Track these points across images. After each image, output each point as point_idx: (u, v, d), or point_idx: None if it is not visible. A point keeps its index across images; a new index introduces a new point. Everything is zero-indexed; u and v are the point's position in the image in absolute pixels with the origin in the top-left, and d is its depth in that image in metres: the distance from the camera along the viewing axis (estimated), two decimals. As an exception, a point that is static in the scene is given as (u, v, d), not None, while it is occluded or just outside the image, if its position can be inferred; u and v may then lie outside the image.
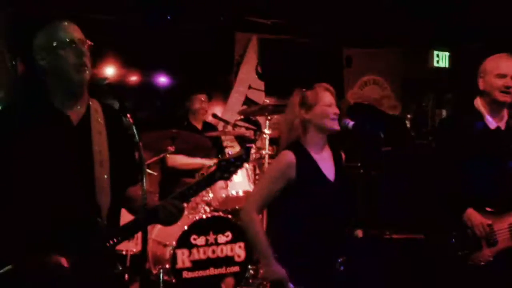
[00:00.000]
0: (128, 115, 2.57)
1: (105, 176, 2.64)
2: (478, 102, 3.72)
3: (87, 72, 2.62)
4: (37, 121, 2.59)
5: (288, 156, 3.12)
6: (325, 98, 3.20)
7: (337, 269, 3.09)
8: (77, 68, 2.59)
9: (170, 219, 2.71)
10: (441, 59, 8.76)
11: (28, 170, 2.53)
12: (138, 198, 2.73)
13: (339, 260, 3.09)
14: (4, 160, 2.53)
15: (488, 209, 3.59)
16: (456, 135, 3.70)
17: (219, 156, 5.59)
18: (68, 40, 2.61)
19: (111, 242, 2.63)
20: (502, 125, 3.69)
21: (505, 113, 3.71)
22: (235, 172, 2.76)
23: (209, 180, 2.77)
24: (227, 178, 2.77)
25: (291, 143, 3.19)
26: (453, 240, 3.60)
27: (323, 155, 3.22)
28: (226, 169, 2.75)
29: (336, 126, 3.17)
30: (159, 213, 2.65)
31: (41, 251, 2.47)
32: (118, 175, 2.70)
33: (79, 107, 2.68)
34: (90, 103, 2.72)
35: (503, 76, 3.58)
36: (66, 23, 2.66)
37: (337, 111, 3.18)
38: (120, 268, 5.04)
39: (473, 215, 3.57)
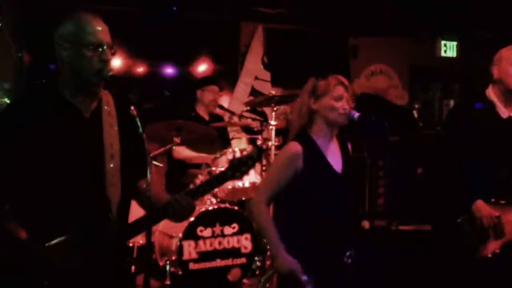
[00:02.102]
0: (132, 107, 2.55)
1: (116, 170, 2.63)
2: (490, 91, 3.69)
3: (104, 77, 2.58)
4: (48, 114, 2.56)
5: (295, 147, 3.09)
6: (336, 91, 3.13)
7: (345, 261, 3.07)
8: (98, 73, 2.55)
9: (180, 216, 2.72)
10: (449, 49, 8.71)
11: (39, 162, 2.51)
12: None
13: (348, 253, 3.07)
14: (15, 153, 2.51)
15: (494, 200, 3.57)
16: (466, 123, 3.68)
17: (226, 147, 5.59)
18: (97, 43, 2.56)
19: (121, 237, 2.65)
20: None
21: None
22: (247, 171, 2.77)
23: (221, 179, 2.79)
24: (239, 177, 2.78)
25: (299, 133, 3.16)
26: (461, 231, 3.59)
27: (330, 147, 3.19)
28: (238, 168, 2.76)
29: (341, 119, 3.11)
30: (169, 209, 2.65)
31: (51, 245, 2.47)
32: (129, 168, 2.68)
33: (90, 100, 2.65)
34: (102, 95, 2.69)
35: None
36: (98, 23, 2.60)
37: (346, 106, 3.10)
38: (127, 260, 5.06)
39: (482, 206, 3.56)
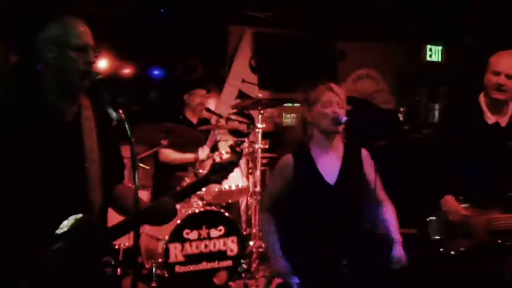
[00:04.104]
0: (120, 111, 2.56)
1: (97, 174, 2.65)
2: (481, 97, 3.76)
3: (89, 79, 2.61)
4: (30, 117, 2.56)
5: (286, 158, 3.19)
6: (324, 97, 3.15)
7: (341, 271, 3.07)
8: (82, 74, 2.58)
9: (162, 220, 2.76)
10: (434, 54, 8.79)
11: (21, 166, 2.51)
12: (125, 196, 2.80)
13: (344, 263, 3.07)
14: None
15: (468, 200, 3.62)
16: (454, 127, 3.74)
17: (212, 151, 5.60)
18: (82, 45, 2.58)
19: (105, 240, 2.67)
20: (503, 122, 3.71)
21: (509, 109, 3.73)
22: (226, 176, 2.87)
23: (203, 183, 2.88)
24: (219, 181, 2.89)
25: (298, 145, 3.22)
26: (429, 223, 3.64)
27: (327, 157, 3.19)
28: (219, 172, 2.84)
29: (334, 127, 3.12)
30: (151, 214, 2.68)
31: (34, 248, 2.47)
32: (107, 173, 2.70)
33: (72, 104, 2.67)
34: (81, 100, 2.71)
35: (497, 73, 3.60)
36: (81, 26, 2.63)
37: (337, 109, 3.11)
38: (113, 263, 5.04)
39: (449, 201, 3.63)
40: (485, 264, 3.55)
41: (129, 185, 5.16)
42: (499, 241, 3.55)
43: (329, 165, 3.18)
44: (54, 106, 2.62)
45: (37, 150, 2.53)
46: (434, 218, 3.66)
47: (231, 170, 2.88)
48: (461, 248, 3.57)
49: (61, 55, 2.56)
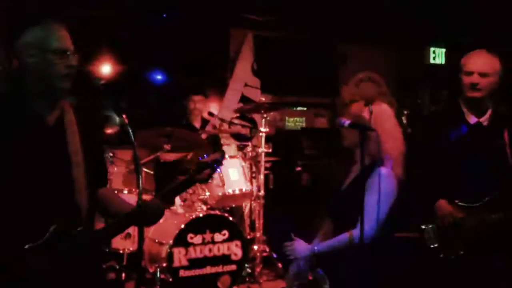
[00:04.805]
0: (124, 115, 2.58)
1: (82, 177, 2.66)
2: (460, 99, 3.77)
3: (70, 82, 2.64)
4: (13, 123, 2.59)
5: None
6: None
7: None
8: (63, 78, 2.61)
9: (150, 220, 2.76)
10: (438, 56, 8.78)
11: (7, 172, 2.53)
12: (110, 199, 2.86)
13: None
14: None
15: (459, 202, 3.61)
16: (435, 129, 3.74)
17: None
18: (62, 49, 2.61)
19: (95, 243, 2.69)
20: (485, 121, 3.71)
21: (489, 108, 3.73)
22: (211, 174, 2.84)
23: (188, 182, 2.83)
24: (206, 180, 2.86)
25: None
26: (425, 232, 3.63)
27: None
28: (204, 171, 2.81)
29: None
30: (139, 215, 2.67)
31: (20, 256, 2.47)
32: (92, 176, 2.72)
33: (54, 108, 2.69)
34: (63, 104, 2.73)
35: (470, 73, 3.63)
36: (61, 30, 2.66)
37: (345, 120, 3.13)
38: (117, 267, 5.04)
39: (443, 206, 3.61)
40: (484, 264, 3.53)
41: (132, 189, 5.22)
42: (494, 240, 3.53)
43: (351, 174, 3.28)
44: (36, 111, 2.64)
45: (22, 155, 2.55)
46: (429, 226, 3.64)
47: (215, 169, 2.85)
48: (460, 252, 3.56)
49: (42, 59, 2.58)
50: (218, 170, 2.95)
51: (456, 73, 3.78)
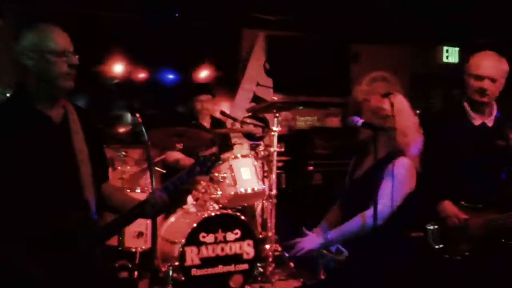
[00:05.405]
0: (137, 115, 2.61)
1: (88, 173, 2.74)
2: (464, 100, 3.74)
3: (71, 81, 2.70)
4: (22, 124, 2.65)
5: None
6: None
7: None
8: (65, 77, 2.67)
9: (155, 212, 2.79)
10: (451, 55, 8.73)
11: (18, 171, 2.59)
12: (113, 195, 2.96)
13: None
14: None
15: (464, 203, 3.59)
16: (439, 130, 3.71)
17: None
18: (61, 49, 2.67)
19: (105, 237, 2.76)
20: (489, 122, 3.68)
21: (493, 109, 3.70)
22: (212, 167, 2.85)
23: (188, 174, 2.84)
24: (204, 173, 2.86)
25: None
26: (430, 233, 3.61)
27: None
28: (204, 164, 2.82)
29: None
30: (145, 205, 2.73)
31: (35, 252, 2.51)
32: (96, 173, 2.80)
33: (57, 107, 2.76)
34: (65, 104, 2.80)
35: (480, 78, 3.58)
36: (57, 31, 2.72)
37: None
38: (130, 266, 5.07)
39: (447, 207, 3.59)
40: (490, 265, 3.51)
41: (145, 187, 5.24)
42: (499, 240, 3.51)
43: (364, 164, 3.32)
44: (42, 111, 2.70)
45: (32, 153, 2.62)
46: (433, 227, 3.62)
47: (215, 161, 2.87)
48: (466, 253, 3.53)
49: (41, 61, 2.65)
50: (219, 162, 2.95)
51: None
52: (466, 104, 3.72)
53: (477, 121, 3.70)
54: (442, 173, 3.62)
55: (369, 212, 2.97)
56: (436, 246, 3.59)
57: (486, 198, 3.58)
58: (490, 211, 3.55)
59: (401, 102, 3.25)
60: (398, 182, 3.05)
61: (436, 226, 3.62)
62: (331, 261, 3.08)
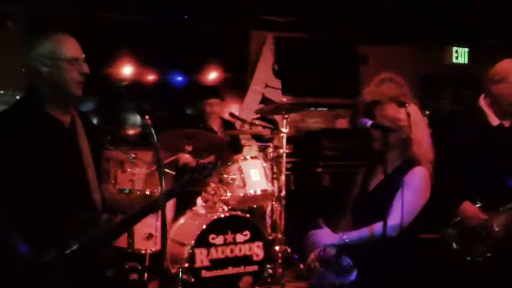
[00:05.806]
0: (147, 117, 2.66)
1: (94, 176, 2.84)
2: (482, 101, 3.71)
3: (81, 89, 2.80)
4: (34, 127, 2.71)
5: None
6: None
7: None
8: (77, 84, 2.77)
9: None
10: (460, 55, 8.70)
11: (31, 174, 2.63)
12: (108, 197, 3.00)
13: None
14: (6, 166, 2.62)
15: (483, 204, 3.57)
16: (455, 130, 3.70)
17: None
18: (74, 57, 2.77)
19: (113, 237, 2.80)
20: (507, 123, 3.67)
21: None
22: (210, 174, 2.87)
23: (188, 180, 2.86)
24: (203, 179, 2.88)
25: None
26: (449, 234, 3.59)
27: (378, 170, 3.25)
28: (201, 171, 2.85)
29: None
30: (147, 211, 2.76)
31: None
32: (98, 175, 2.89)
33: (67, 112, 2.85)
34: (72, 110, 2.89)
35: None
36: (70, 40, 2.81)
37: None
38: (139, 268, 5.08)
39: (467, 207, 3.58)
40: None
41: (154, 189, 5.27)
42: None
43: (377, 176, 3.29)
44: (54, 116, 2.78)
45: (42, 154, 2.68)
46: (453, 227, 3.61)
47: (213, 169, 2.89)
48: (487, 254, 3.52)
49: (55, 68, 2.74)
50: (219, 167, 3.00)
51: (479, 74, 3.74)
52: (484, 105, 3.70)
53: (495, 121, 3.69)
54: (461, 174, 3.60)
55: (389, 221, 2.95)
56: (455, 247, 3.58)
57: (505, 199, 3.57)
58: (510, 212, 3.54)
59: (416, 112, 3.23)
60: (415, 193, 3.04)
61: (455, 227, 3.61)
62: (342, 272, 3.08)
